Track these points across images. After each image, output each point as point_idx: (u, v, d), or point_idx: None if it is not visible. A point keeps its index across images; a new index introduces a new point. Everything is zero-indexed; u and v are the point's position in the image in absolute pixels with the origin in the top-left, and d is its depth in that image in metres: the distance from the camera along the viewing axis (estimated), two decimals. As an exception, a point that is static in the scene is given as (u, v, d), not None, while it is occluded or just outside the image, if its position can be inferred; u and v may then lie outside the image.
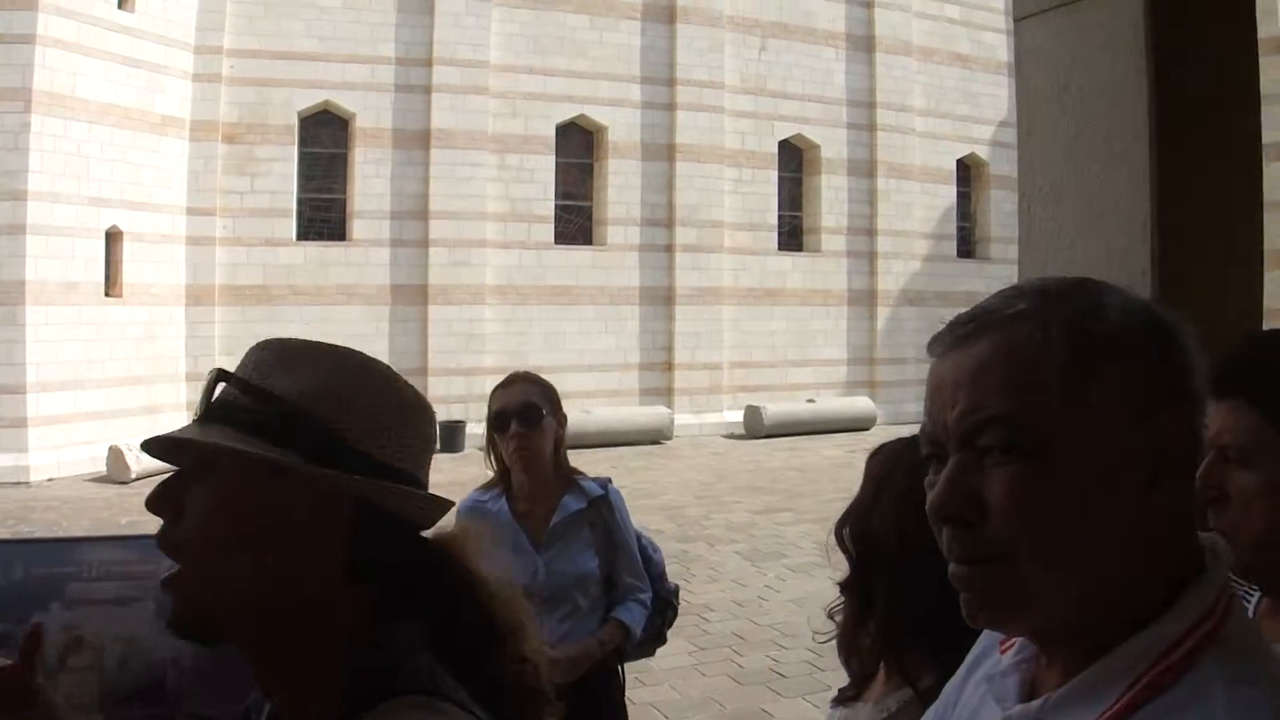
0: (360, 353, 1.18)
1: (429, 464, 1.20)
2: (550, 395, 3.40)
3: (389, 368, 1.19)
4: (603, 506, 3.44)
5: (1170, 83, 2.33)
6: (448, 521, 1.22)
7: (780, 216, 23.20)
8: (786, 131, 23.13)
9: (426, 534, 1.19)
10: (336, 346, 1.18)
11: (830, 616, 1.79)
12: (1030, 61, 2.58)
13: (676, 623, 3.67)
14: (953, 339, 0.95)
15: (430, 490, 1.18)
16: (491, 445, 3.41)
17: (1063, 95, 2.46)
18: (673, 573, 3.94)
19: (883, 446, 1.77)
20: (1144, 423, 0.89)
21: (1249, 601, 1.46)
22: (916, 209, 24.30)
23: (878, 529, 1.64)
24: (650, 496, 13.95)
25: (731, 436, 21.00)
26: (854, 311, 23.52)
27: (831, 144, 23.48)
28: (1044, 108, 2.50)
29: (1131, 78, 2.32)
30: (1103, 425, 0.88)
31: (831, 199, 23.54)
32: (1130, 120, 2.29)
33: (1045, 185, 2.46)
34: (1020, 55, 2.62)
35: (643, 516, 12.83)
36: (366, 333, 18.75)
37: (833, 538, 1.72)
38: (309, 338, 1.19)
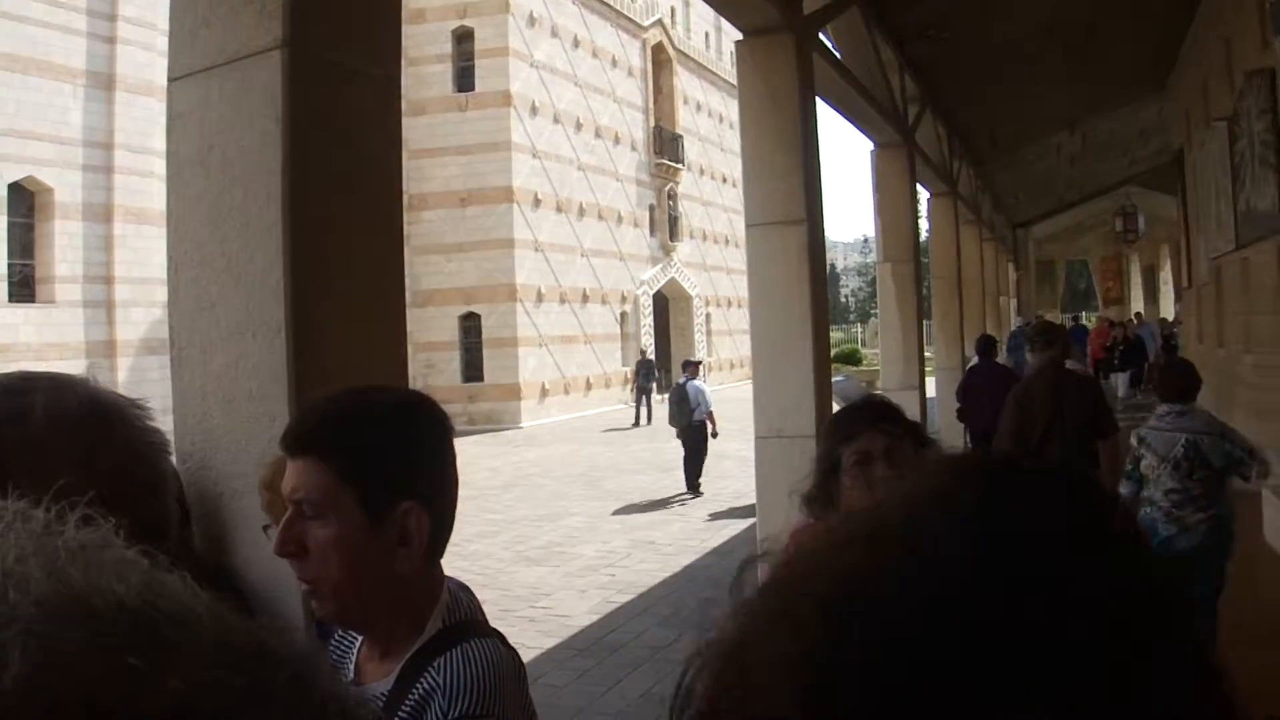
0: None
1: None
2: None
3: None
4: None
5: (310, 147, 2.47)
6: None
7: (11, 265, 20.90)
8: (17, 173, 20.88)
9: None
10: None
11: None
12: (179, 125, 2.58)
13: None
14: None
15: None
16: None
17: (206, 158, 2.49)
18: None
19: None
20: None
21: None
22: (157, 255, 23.21)
23: None
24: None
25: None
26: (94, 365, 21.81)
27: (66, 187, 21.66)
28: (189, 171, 2.52)
29: (268, 143, 2.42)
30: None
31: (66, 245, 21.68)
32: (265, 184, 2.39)
33: (190, 248, 2.48)
34: (171, 118, 2.61)
35: None
36: None
37: None
38: None
